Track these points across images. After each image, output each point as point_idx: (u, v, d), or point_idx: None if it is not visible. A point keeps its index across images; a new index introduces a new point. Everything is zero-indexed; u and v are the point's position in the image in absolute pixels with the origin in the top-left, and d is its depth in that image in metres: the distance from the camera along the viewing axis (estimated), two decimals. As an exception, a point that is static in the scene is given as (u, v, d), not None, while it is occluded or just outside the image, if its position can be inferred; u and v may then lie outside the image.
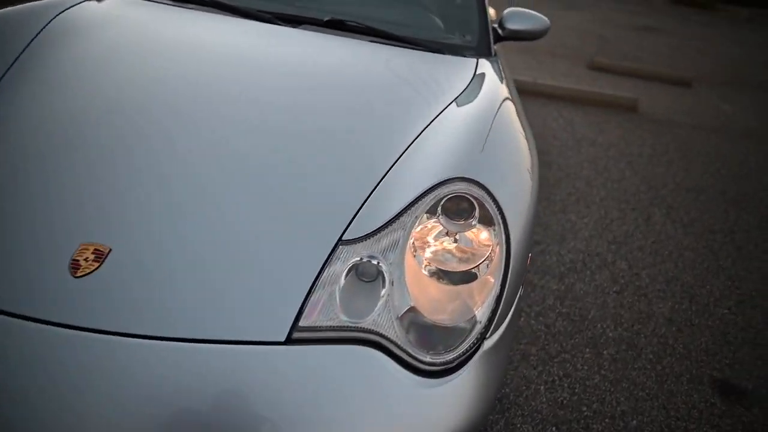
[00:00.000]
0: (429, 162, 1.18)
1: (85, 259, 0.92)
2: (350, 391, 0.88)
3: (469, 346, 0.98)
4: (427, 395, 0.92)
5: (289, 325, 0.91)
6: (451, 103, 1.46)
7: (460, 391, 0.94)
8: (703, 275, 2.52)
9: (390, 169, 1.17)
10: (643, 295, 2.30)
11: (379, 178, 1.15)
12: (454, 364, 0.96)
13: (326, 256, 0.99)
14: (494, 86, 1.64)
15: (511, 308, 1.09)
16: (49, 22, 1.49)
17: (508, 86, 1.78)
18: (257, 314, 0.91)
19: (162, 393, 0.81)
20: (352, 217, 1.06)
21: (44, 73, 1.32)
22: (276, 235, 1.01)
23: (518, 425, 1.61)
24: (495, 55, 1.94)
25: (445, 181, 1.12)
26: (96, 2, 1.67)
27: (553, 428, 1.63)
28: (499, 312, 1.03)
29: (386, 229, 1.04)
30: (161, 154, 1.12)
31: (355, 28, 1.78)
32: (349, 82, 1.51)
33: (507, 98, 1.63)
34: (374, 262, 1.01)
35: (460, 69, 1.71)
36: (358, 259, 1.00)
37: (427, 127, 1.32)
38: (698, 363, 1.98)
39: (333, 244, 1.01)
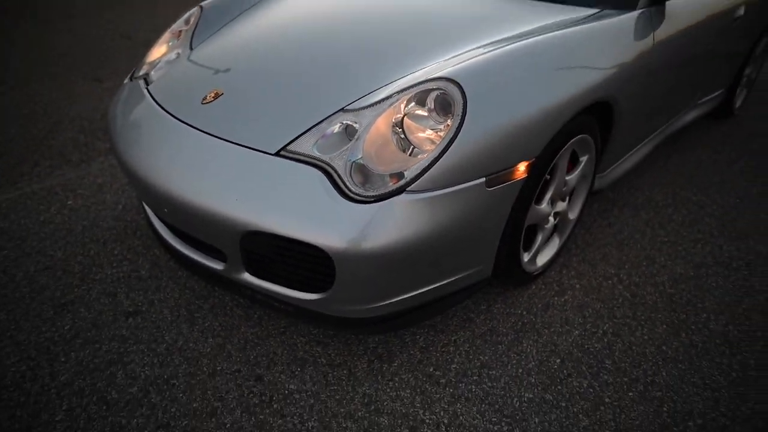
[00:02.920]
0: (440, 66, 1.48)
1: (210, 96, 1.62)
2: (297, 190, 1.33)
3: (389, 191, 1.29)
4: (344, 210, 1.28)
5: (281, 146, 1.41)
6: (529, 31, 1.66)
7: (367, 218, 1.27)
8: None
9: (413, 72, 1.52)
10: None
11: (402, 75, 1.52)
12: (372, 199, 1.29)
13: (328, 115, 1.45)
14: (590, 29, 1.71)
15: (460, 182, 1.33)
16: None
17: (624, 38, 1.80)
18: (271, 134, 1.45)
19: (204, 159, 1.44)
20: (363, 95, 1.48)
21: (271, 5, 2.14)
22: (311, 93, 1.53)
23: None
24: (645, 9, 1.92)
25: (433, 78, 1.41)
26: None
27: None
28: (430, 173, 1.29)
29: (373, 107, 1.43)
30: (285, 53, 1.75)
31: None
32: (443, 15, 1.85)
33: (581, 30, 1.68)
34: (354, 125, 1.41)
35: (560, 14, 1.84)
36: (347, 122, 1.42)
37: (475, 49, 1.58)
38: None
39: (336, 110, 1.46)
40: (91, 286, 1.83)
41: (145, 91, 1.82)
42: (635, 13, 1.91)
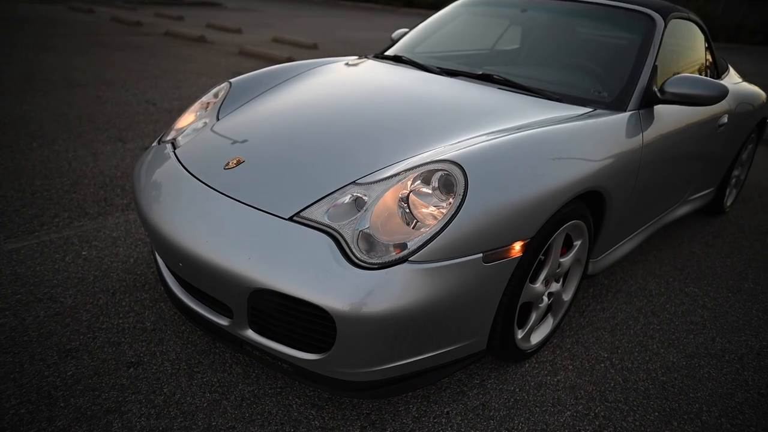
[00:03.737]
0: (446, 149, 1.62)
1: (233, 162, 1.76)
2: (306, 254, 1.42)
3: (392, 260, 1.39)
4: (349, 275, 1.37)
5: (295, 212, 1.53)
6: (528, 124, 1.82)
7: (370, 284, 1.35)
8: None
9: (421, 153, 1.67)
10: None
11: (411, 155, 1.66)
12: (375, 266, 1.38)
13: (340, 186, 1.58)
14: (584, 125, 1.88)
15: (459, 256, 1.42)
16: (310, 69, 2.57)
17: (623, 138, 1.96)
18: (286, 201, 1.57)
19: (222, 219, 1.55)
20: (374, 171, 1.62)
21: (294, 85, 2.34)
22: (326, 166, 1.67)
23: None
24: (635, 111, 2.10)
25: (439, 160, 1.54)
26: (344, 65, 2.67)
27: None
28: (431, 246, 1.39)
29: (383, 182, 1.55)
30: (305, 128, 1.91)
31: (497, 80, 2.28)
32: (452, 104, 2.02)
33: (572, 127, 1.83)
34: (364, 197, 1.53)
35: (557, 110, 2.01)
36: (358, 194, 1.54)
37: (478, 137, 1.73)
38: None
39: (348, 182, 1.59)
40: (96, 334, 1.87)
41: (172, 154, 1.97)
42: (626, 114, 2.09)
